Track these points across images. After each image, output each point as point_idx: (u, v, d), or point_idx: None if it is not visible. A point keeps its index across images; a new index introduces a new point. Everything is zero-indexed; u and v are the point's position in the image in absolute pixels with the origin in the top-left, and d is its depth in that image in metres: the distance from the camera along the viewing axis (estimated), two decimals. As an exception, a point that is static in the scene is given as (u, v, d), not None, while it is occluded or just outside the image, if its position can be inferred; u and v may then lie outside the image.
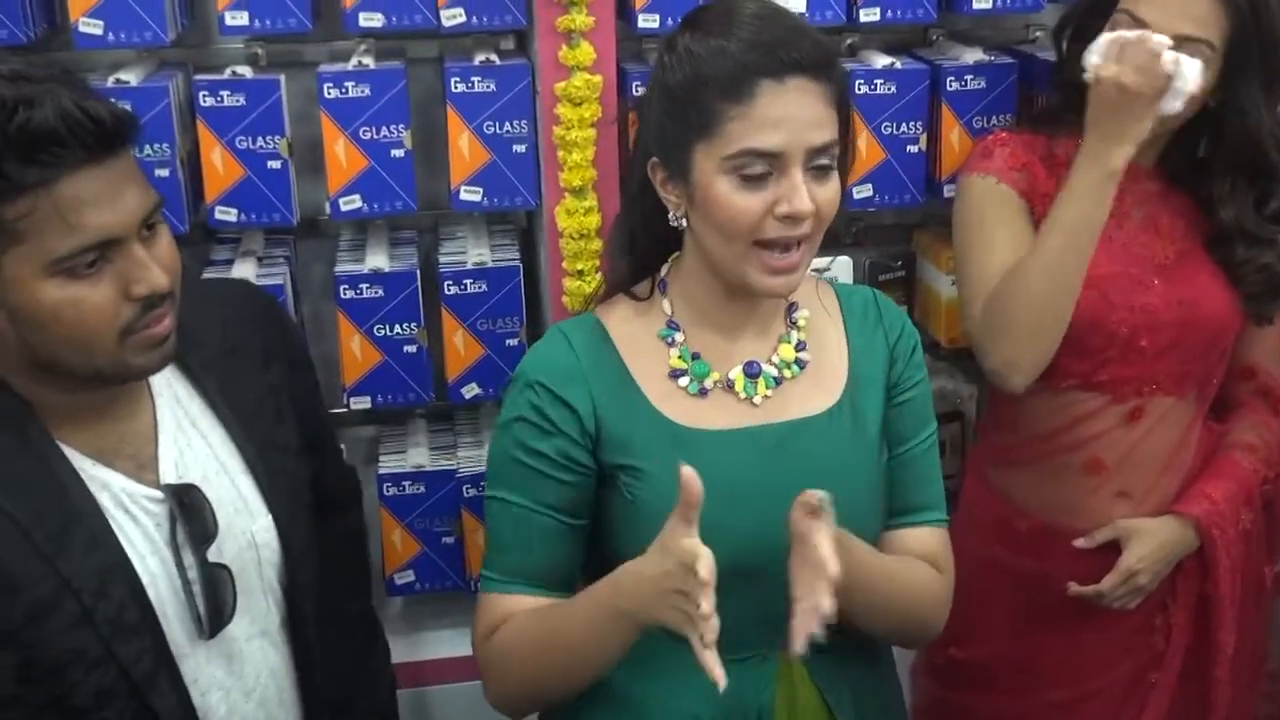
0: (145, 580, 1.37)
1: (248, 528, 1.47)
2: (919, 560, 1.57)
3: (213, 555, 1.42)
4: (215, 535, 1.43)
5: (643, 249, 1.56)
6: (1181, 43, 1.73)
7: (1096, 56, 1.75)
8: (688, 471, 1.28)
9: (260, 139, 1.92)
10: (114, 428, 1.40)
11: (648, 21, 1.94)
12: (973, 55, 2.12)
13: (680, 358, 1.52)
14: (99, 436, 1.39)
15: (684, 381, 1.51)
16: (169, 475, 1.42)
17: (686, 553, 1.27)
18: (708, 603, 1.25)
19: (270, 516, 1.49)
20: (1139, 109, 1.72)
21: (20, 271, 1.26)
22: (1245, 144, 1.81)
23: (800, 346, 1.55)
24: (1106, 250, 1.82)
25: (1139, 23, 1.75)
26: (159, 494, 1.40)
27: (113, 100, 1.32)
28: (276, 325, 1.61)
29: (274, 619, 1.51)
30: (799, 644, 1.30)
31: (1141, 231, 1.87)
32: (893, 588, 1.53)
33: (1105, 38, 1.75)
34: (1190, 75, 1.72)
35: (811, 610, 1.30)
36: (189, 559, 1.41)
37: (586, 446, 1.48)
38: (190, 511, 1.41)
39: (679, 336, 1.53)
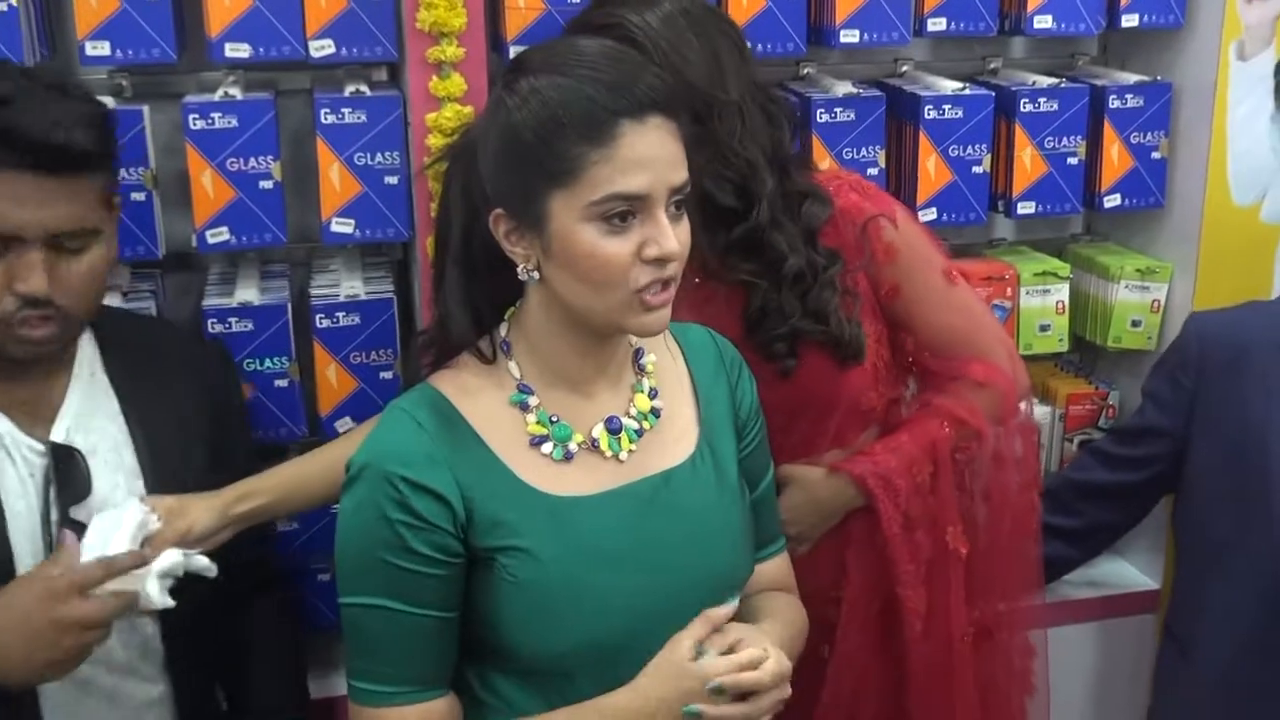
0: (8, 516, 1.55)
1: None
2: (778, 593, 1.61)
3: (80, 515, 1.56)
4: (86, 497, 1.58)
5: (481, 308, 1.46)
6: None
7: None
8: None
9: (123, 170, 1.86)
10: (23, 387, 1.60)
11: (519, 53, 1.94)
12: (843, 88, 2.16)
13: (539, 423, 1.43)
14: (7, 392, 1.59)
15: (547, 448, 1.42)
16: (58, 435, 1.60)
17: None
18: None
19: None
20: None
21: None
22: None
23: (653, 394, 1.50)
24: None
25: None
26: (41, 446, 1.59)
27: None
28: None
29: None
30: None
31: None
32: (795, 638, 1.56)
33: None
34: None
35: None
36: (55, 514, 1.57)
37: (458, 536, 1.38)
38: (67, 471, 1.58)
39: (533, 400, 1.43)
